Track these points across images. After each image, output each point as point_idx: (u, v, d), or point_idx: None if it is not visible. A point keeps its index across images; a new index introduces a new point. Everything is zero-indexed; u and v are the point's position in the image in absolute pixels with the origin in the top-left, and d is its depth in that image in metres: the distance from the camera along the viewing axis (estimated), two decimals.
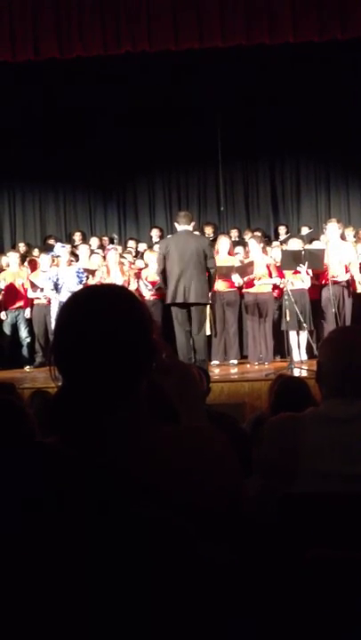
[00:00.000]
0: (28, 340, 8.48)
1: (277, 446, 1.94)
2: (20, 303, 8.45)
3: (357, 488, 1.82)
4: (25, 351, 8.52)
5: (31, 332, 8.51)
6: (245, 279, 7.75)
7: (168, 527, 1.03)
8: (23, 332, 8.46)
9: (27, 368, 8.28)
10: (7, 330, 8.47)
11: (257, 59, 9.34)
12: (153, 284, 8.12)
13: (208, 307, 7.27)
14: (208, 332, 7.58)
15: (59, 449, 1.11)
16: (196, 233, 8.09)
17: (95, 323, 1.12)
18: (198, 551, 1.04)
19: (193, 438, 1.20)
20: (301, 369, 7.08)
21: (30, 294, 8.39)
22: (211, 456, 1.17)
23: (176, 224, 6.90)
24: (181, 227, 6.82)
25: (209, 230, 10.54)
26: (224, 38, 7.83)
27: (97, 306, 1.15)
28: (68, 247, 8.29)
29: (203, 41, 7.81)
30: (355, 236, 9.71)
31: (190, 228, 6.87)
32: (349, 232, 9.50)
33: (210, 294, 7.05)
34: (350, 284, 7.76)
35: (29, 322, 8.53)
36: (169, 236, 7.94)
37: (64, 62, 8.47)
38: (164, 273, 6.82)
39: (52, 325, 7.69)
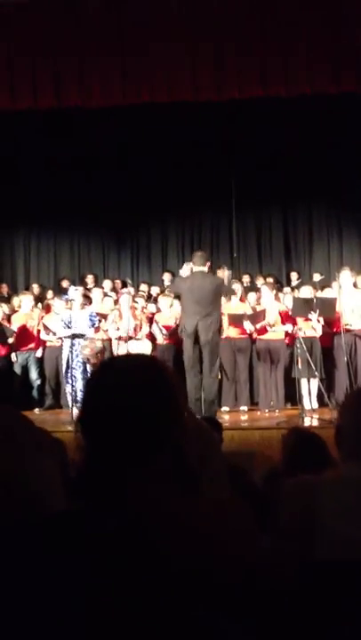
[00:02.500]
0: (39, 382, 8.48)
1: (296, 510, 1.91)
2: (32, 345, 8.46)
3: None
4: (35, 393, 8.50)
5: (41, 374, 8.51)
6: (257, 326, 7.76)
7: (183, 609, 1.03)
8: (33, 374, 8.46)
9: (36, 410, 8.25)
10: (18, 371, 8.47)
11: (272, 108, 9.52)
12: (167, 328, 8.13)
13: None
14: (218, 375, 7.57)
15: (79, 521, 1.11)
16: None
17: (122, 393, 1.15)
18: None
19: (216, 512, 1.19)
20: (313, 418, 7.03)
21: (43, 336, 8.41)
22: (233, 533, 1.16)
23: (191, 264, 6.97)
24: (196, 267, 6.91)
25: (221, 274, 10.60)
26: (241, 90, 8.00)
27: (124, 376, 1.18)
28: (81, 289, 8.34)
29: (220, 93, 7.98)
30: None
31: (205, 269, 6.95)
32: None
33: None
34: None
35: (40, 363, 8.53)
36: (184, 276, 8.01)
37: (83, 109, 8.66)
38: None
39: (63, 368, 7.71)
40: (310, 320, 7.52)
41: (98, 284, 10.48)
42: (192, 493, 1.27)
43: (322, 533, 1.85)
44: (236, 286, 8.37)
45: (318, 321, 7.58)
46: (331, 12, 7.77)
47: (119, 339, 7.77)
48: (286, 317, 7.85)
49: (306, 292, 8.10)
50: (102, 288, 9.78)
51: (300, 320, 7.52)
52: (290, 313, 7.89)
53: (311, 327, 7.65)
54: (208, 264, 7.07)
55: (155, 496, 1.13)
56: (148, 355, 1.35)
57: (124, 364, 1.23)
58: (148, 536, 1.07)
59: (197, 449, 1.41)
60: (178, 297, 7.23)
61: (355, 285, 8.19)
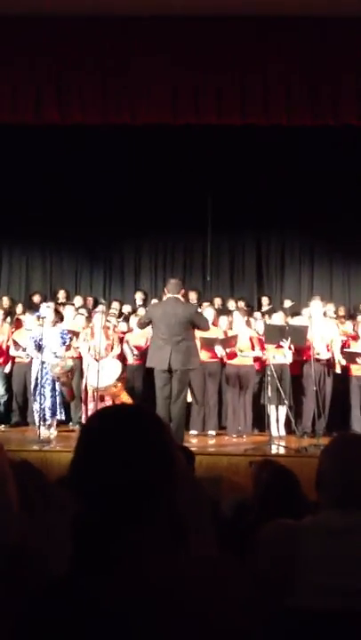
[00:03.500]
0: (5, 398, 8.35)
1: (275, 556, 1.91)
2: (0, 360, 8.35)
3: (357, 604, 1.80)
4: (1, 409, 8.37)
5: (9, 390, 8.39)
6: (228, 350, 7.79)
7: None
8: (0, 390, 8.34)
9: (1, 427, 8.13)
10: None
11: (250, 136, 9.66)
12: (138, 348, 8.11)
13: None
14: (189, 399, 7.55)
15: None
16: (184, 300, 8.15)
17: (114, 452, 1.14)
18: None
19: (205, 572, 1.18)
20: (280, 445, 7.07)
21: (12, 352, 8.31)
22: (222, 595, 1.15)
23: (165, 290, 6.94)
24: (170, 294, 6.86)
25: (193, 296, 10.64)
26: (220, 116, 8.10)
27: (120, 433, 1.17)
28: (52, 305, 8.23)
29: (199, 117, 8.07)
30: (335, 313, 9.88)
31: (179, 296, 6.92)
32: (330, 307, 9.66)
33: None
34: (331, 363, 7.82)
35: (8, 379, 8.42)
36: (157, 302, 7.98)
37: (59, 127, 8.66)
38: (143, 327, 7.11)
39: (32, 385, 7.61)
40: (282, 347, 7.57)
41: (69, 300, 10.42)
42: (181, 547, 1.27)
43: (301, 582, 1.85)
44: (209, 310, 8.40)
45: (290, 348, 7.65)
46: (309, 44, 7.93)
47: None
48: (259, 343, 7.89)
49: (277, 318, 8.18)
50: (73, 304, 9.71)
51: (271, 347, 7.57)
52: (260, 337, 7.95)
53: (282, 354, 7.70)
54: (182, 292, 7.05)
55: (147, 559, 1.12)
56: (140, 406, 1.34)
57: (116, 420, 1.21)
58: (141, 611, 1.06)
59: (187, 502, 1.41)
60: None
61: (324, 314, 8.29)
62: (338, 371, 7.80)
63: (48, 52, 7.97)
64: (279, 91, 8.04)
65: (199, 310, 7.74)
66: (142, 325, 7.18)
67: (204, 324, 6.84)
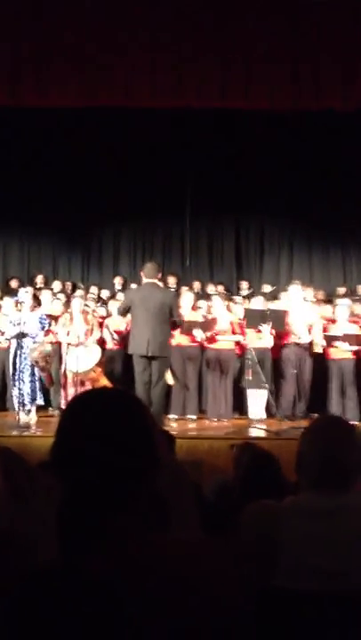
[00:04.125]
0: None
1: (256, 537, 1.93)
2: None
3: (336, 586, 1.82)
4: None
5: None
6: (208, 334, 7.80)
7: None
8: None
9: None
10: None
11: (230, 120, 9.62)
12: (118, 333, 8.10)
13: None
14: (171, 382, 7.55)
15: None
16: (162, 285, 8.14)
17: (98, 436, 1.13)
18: None
19: (192, 554, 1.18)
20: (260, 429, 7.11)
21: None
22: (206, 579, 1.15)
23: (142, 274, 6.90)
24: (147, 279, 6.83)
25: (172, 281, 10.63)
26: (199, 99, 8.04)
27: (101, 416, 1.16)
28: (30, 289, 8.14)
29: (178, 100, 8.00)
30: (314, 297, 9.93)
31: (156, 280, 6.89)
32: (309, 292, 9.70)
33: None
34: (310, 345, 7.87)
35: None
36: (135, 287, 7.96)
37: (36, 110, 8.56)
38: (124, 314, 6.96)
39: (10, 370, 7.55)
40: (261, 332, 7.60)
41: (47, 284, 10.35)
42: (165, 529, 1.26)
43: (281, 562, 1.87)
44: (188, 294, 8.40)
45: (271, 333, 7.68)
46: (292, 26, 7.89)
47: (69, 345, 7.66)
48: (240, 327, 7.91)
49: (257, 302, 8.20)
50: (52, 289, 9.65)
51: (251, 331, 7.60)
52: (240, 322, 7.97)
53: (262, 338, 7.73)
54: (159, 275, 7.02)
55: (132, 542, 1.12)
56: (121, 390, 1.33)
57: (97, 403, 1.20)
58: (118, 579, 1.06)
59: (169, 486, 1.41)
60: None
61: (304, 299, 8.33)
62: (318, 350, 7.82)
63: (26, 34, 7.84)
64: (260, 74, 8.00)
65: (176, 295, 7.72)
66: (123, 312, 7.08)
67: (177, 313, 6.79)
